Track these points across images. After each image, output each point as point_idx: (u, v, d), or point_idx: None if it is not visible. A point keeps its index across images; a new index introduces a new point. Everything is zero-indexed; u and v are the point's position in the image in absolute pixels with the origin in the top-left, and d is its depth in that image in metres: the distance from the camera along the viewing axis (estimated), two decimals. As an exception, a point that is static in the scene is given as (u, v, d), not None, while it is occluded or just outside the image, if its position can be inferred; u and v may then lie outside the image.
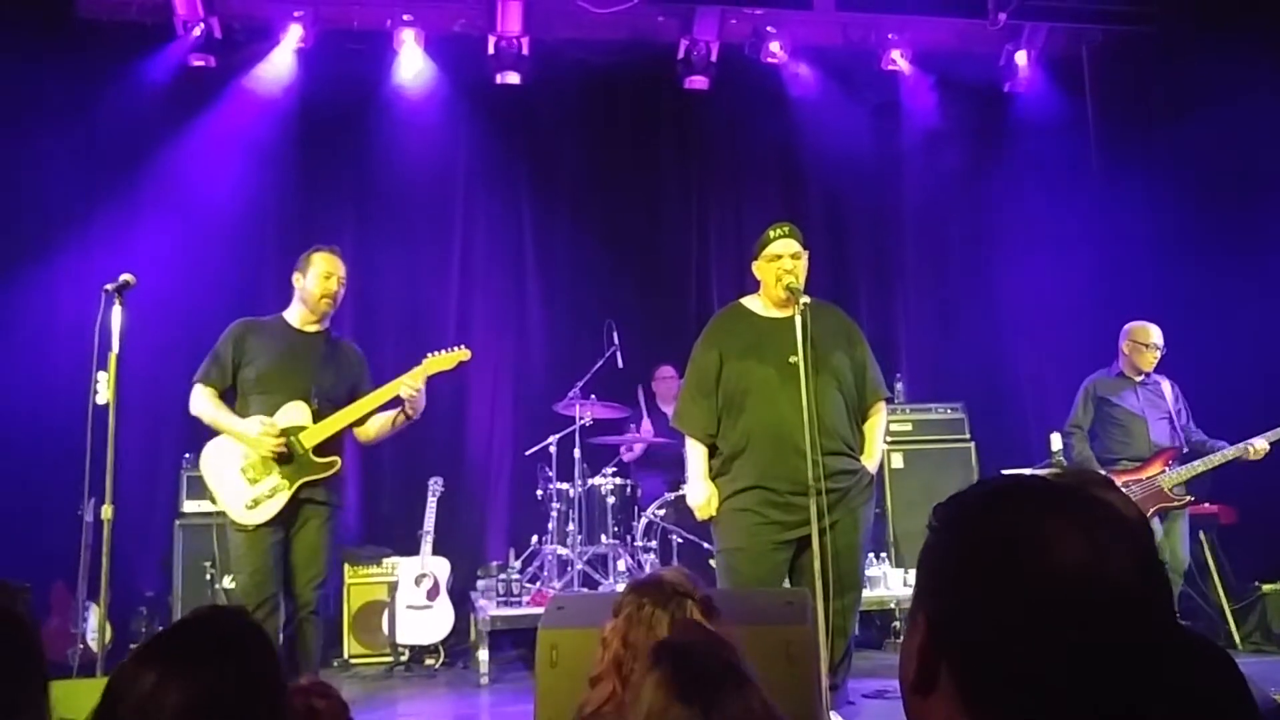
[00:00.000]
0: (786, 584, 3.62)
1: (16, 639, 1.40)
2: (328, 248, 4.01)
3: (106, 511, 3.68)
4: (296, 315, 3.96)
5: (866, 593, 5.39)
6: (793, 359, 3.46)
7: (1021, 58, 6.60)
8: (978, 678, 0.84)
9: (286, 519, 3.74)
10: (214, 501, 3.85)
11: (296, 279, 3.97)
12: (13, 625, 1.41)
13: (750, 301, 3.84)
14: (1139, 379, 5.10)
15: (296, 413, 3.77)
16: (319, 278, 3.90)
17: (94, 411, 3.67)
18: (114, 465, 3.65)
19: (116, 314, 3.72)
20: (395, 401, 3.90)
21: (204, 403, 3.79)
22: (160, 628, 5.27)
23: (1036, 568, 0.83)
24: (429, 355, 3.94)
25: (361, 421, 3.90)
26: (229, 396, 3.88)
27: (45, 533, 4.97)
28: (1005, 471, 5.75)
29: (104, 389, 3.75)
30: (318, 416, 3.78)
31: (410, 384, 3.82)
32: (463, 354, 3.98)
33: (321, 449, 3.77)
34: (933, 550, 0.92)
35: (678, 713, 1.45)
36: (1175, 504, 4.83)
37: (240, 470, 3.72)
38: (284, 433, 3.75)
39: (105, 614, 3.81)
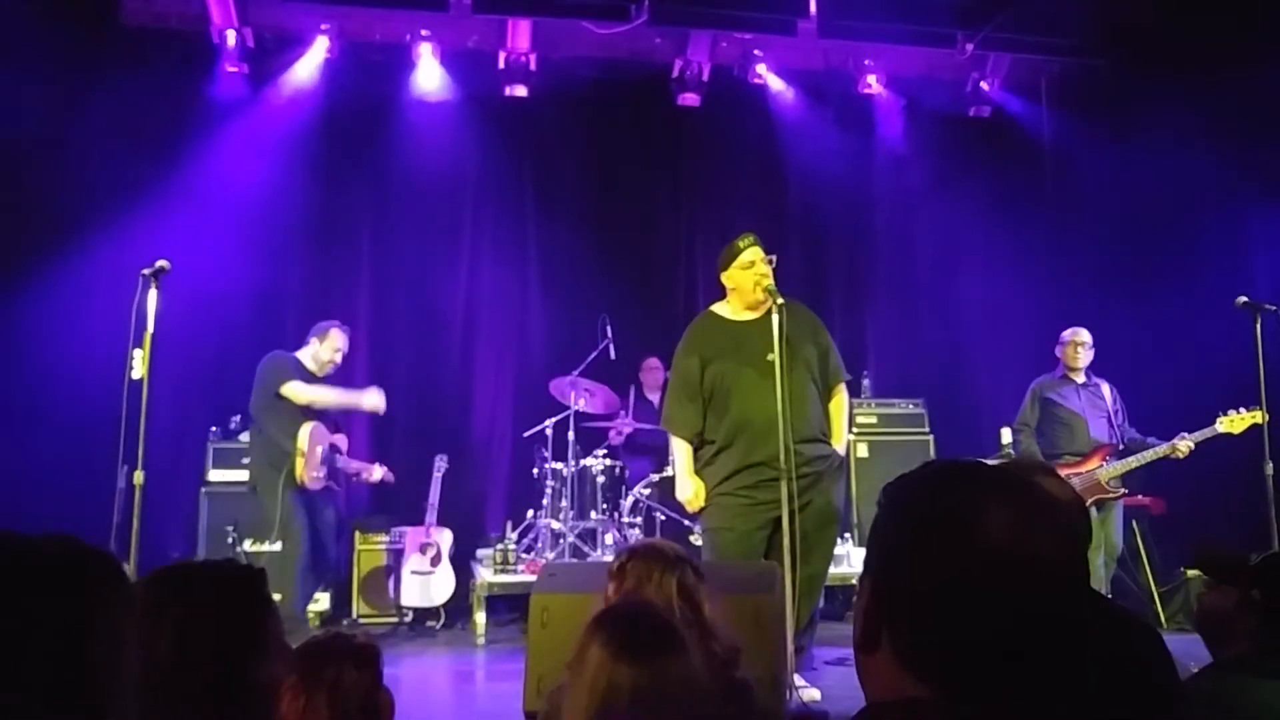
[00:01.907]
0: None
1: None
2: (342, 327, 4.90)
3: (138, 478, 3.73)
4: (309, 362, 4.84)
5: (831, 569, 5.47)
6: (770, 356, 3.49)
7: (986, 85, 6.61)
8: (912, 638, 0.86)
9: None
10: (294, 458, 4.62)
11: (314, 341, 4.83)
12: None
13: (721, 308, 3.87)
14: (1081, 380, 5.18)
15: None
16: (331, 351, 4.83)
17: (129, 386, 3.70)
18: (146, 435, 3.68)
19: (152, 296, 3.76)
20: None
21: (311, 389, 4.72)
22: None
23: (966, 539, 0.84)
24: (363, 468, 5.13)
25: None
26: (268, 414, 4.69)
27: (83, 497, 4.96)
28: (959, 461, 5.82)
29: (139, 365, 3.78)
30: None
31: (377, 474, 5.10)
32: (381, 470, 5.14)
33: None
34: (879, 523, 0.93)
35: (624, 671, 1.42)
36: (1111, 495, 4.92)
37: (318, 450, 4.69)
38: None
39: (135, 573, 3.84)
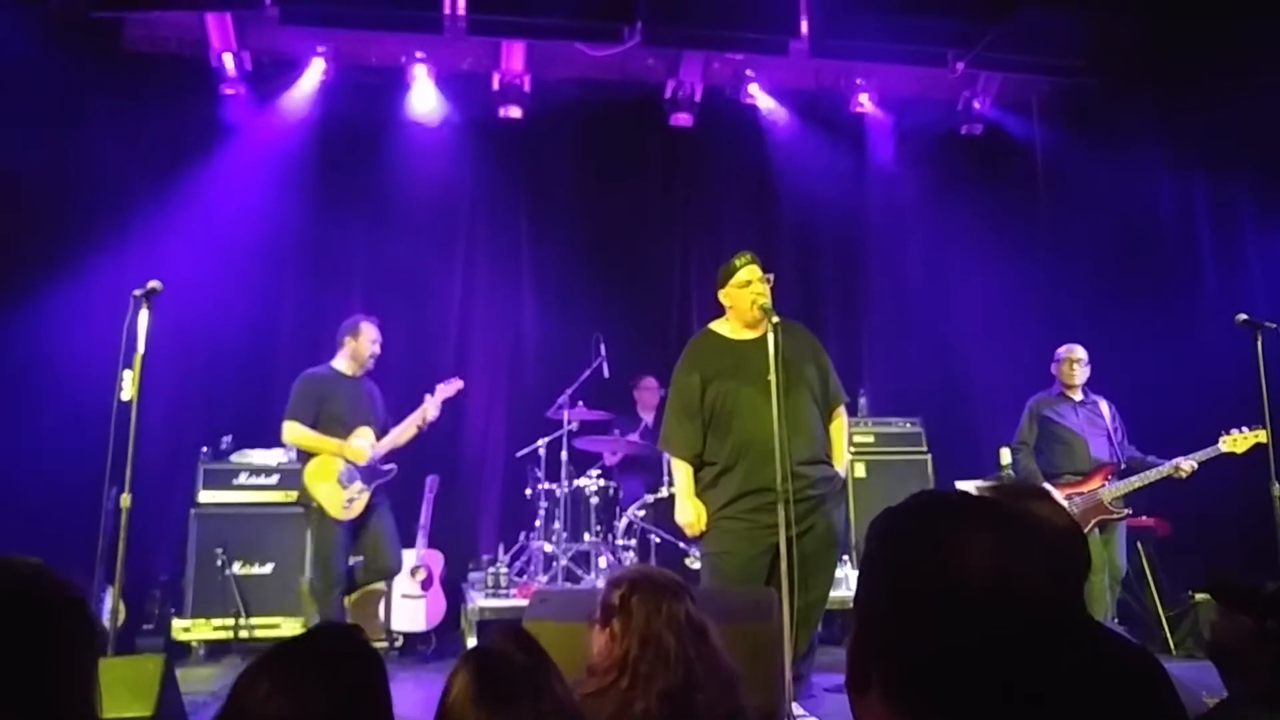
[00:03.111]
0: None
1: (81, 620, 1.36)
2: (370, 319, 4.76)
3: (125, 500, 3.65)
4: (345, 365, 4.67)
5: (830, 593, 5.35)
6: (769, 377, 3.38)
7: (978, 103, 6.55)
8: (900, 677, 0.83)
9: (361, 514, 4.54)
10: (315, 501, 4.47)
11: (347, 340, 4.67)
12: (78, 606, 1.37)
13: (720, 326, 3.76)
14: (1079, 398, 5.08)
15: (366, 438, 4.59)
16: (368, 344, 4.67)
17: (117, 407, 3.64)
18: (134, 457, 3.61)
19: (143, 317, 3.71)
20: None
21: (303, 432, 4.51)
22: (172, 609, 5.17)
23: (946, 573, 0.82)
24: (437, 386, 4.83)
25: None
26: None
27: (70, 519, 4.87)
28: (957, 483, 5.71)
29: (128, 386, 3.73)
30: (378, 437, 4.64)
31: (432, 410, 4.75)
32: (458, 383, 4.91)
33: (384, 460, 4.67)
34: (866, 560, 0.92)
35: (471, 712, 1.45)
36: (1114, 516, 4.80)
37: (335, 480, 4.47)
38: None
39: (119, 595, 3.75)
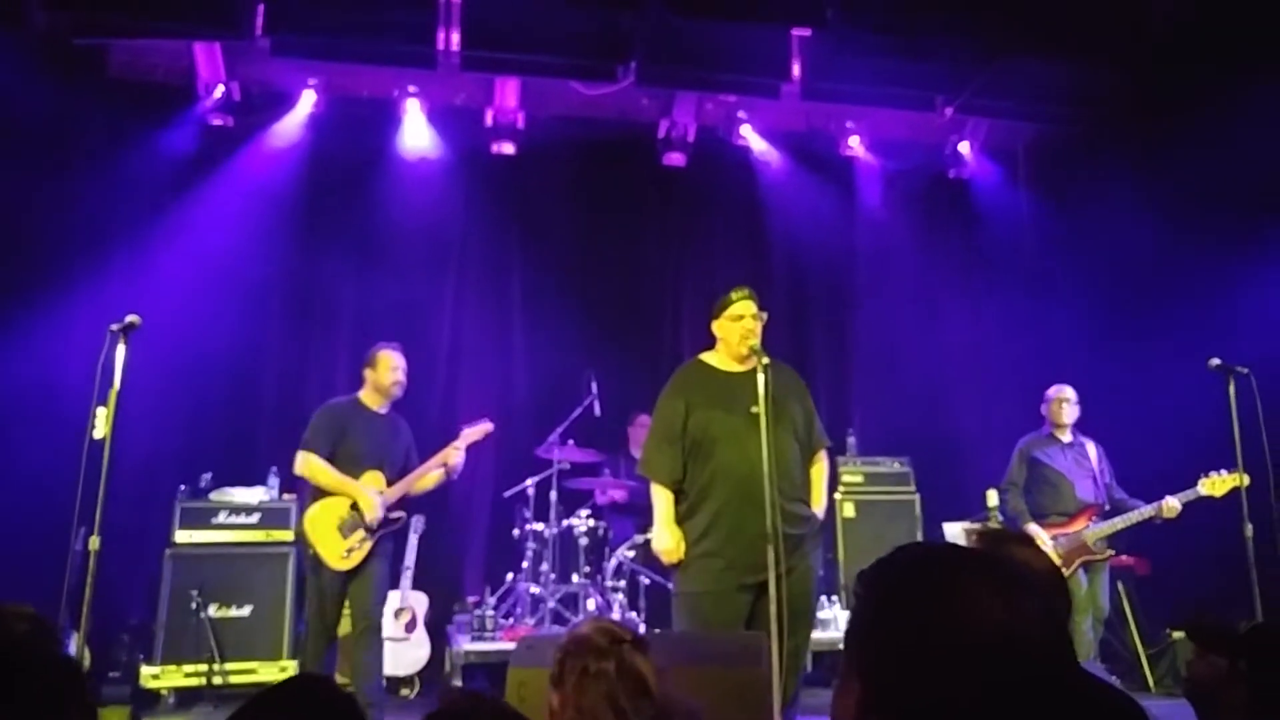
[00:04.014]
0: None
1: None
2: (394, 346, 4.36)
3: (94, 542, 3.47)
4: (370, 398, 4.31)
5: (819, 634, 5.21)
6: (754, 410, 3.32)
7: (965, 148, 6.60)
8: None
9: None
10: (313, 548, 4.13)
11: (367, 372, 4.32)
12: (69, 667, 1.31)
13: (709, 357, 3.68)
14: (1067, 440, 5.09)
15: (373, 480, 4.20)
16: (389, 373, 4.28)
17: (89, 445, 3.49)
18: (105, 498, 3.43)
19: (120, 353, 3.56)
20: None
21: (320, 466, 4.15)
22: (141, 655, 4.92)
23: (954, 628, 0.82)
24: (464, 429, 4.44)
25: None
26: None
27: (38, 561, 4.65)
28: (945, 523, 5.66)
29: (101, 424, 3.56)
30: (388, 483, 4.24)
31: (455, 455, 4.35)
32: (487, 426, 4.50)
33: (393, 507, 4.26)
34: (860, 616, 0.90)
35: None
36: (1098, 557, 4.81)
37: (336, 527, 4.12)
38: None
39: (84, 641, 3.56)
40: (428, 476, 4.34)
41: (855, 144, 6.48)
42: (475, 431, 4.45)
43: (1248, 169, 5.56)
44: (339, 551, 4.09)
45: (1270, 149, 5.20)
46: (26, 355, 5.10)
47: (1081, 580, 4.78)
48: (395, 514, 4.24)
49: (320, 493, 4.18)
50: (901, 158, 6.62)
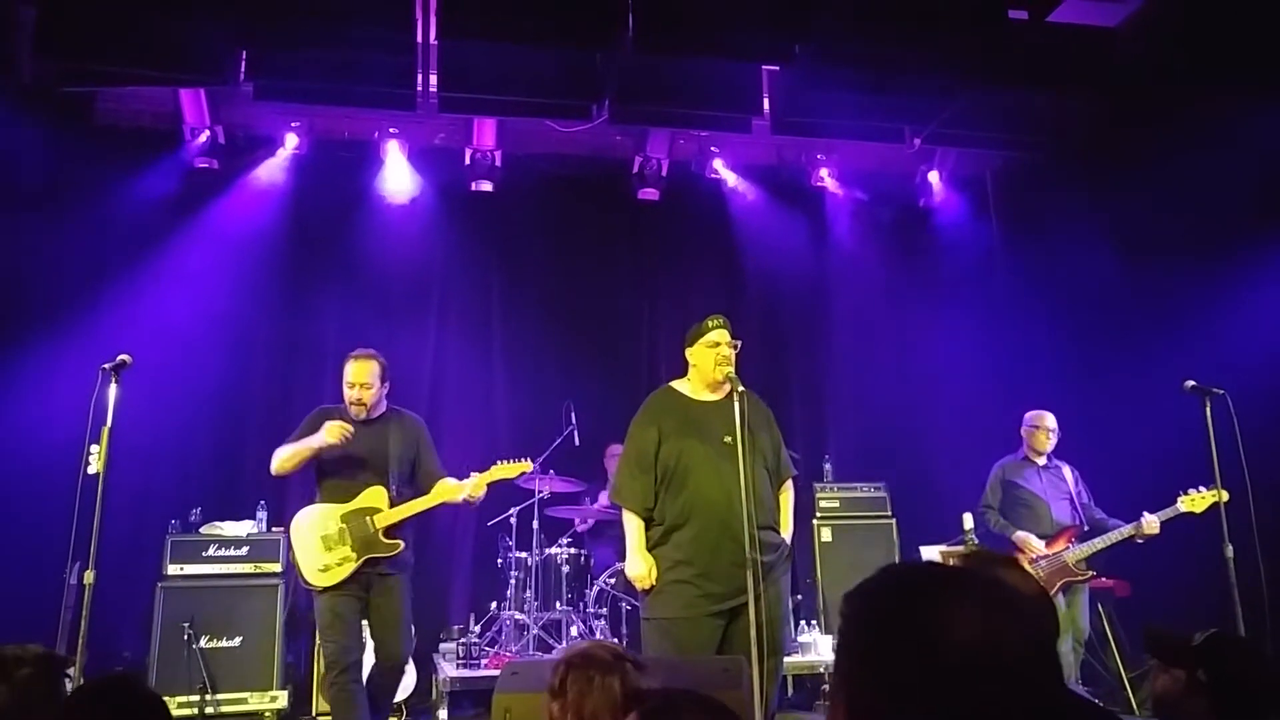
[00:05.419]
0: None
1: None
2: (354, 354, 4.17)
3: (89, 577, 3.63)
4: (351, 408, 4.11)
5: (800, 658, 5.39)
6: (727, 439, 3.44)
7: (934, 177, 6.82)
8: None
9: (364, 588, 3.95)
10: (294, 562, 4.01)
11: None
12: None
13: (681, 385, 3.79)
14: (1042, 463, 5.16)
15: (374, 497, 4.00)
16: (346, 388, 4.10)
17: (84, 481, 3.64)
18: (99, 532, 3.59)
19: (112, 391, 3.73)
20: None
21: (280, 449, 3.97)
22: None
23: (938, 650, 0.82)
24: (498, 463, 4.23)
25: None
26: (308, 479, 4.13)
27: (34, 597, 4.81)
28: (922, 547, 5.78)
29: (95, 460, 3.73)
30: (393, 501, 4.01)
31: (476, 490, 4.13)
32: (525, 466, 4.31)
33: (390, 531, 3.99)
34: (845, 636, 0.91)
35: None
36: (1079, 578, 4.86)
37: (320, 539, 3.94)
38: (361, 513, 3.98)
39: (80, 673, 3.70)
40: (451, 500, 4.12)
41: (826, 176, 6.71)
42: (509, 469, 4.24)
43: (1211, 195, 5.74)
44: (314, 566, 3.90)
45: (1232, 175, 5.37)
46: (20, 395, 5.29)
47: (1060, 602, 4.81)
48: (392, 540, 3.99)
49: (313, 498, 4.06)
50: (871, 188, 6.84)
